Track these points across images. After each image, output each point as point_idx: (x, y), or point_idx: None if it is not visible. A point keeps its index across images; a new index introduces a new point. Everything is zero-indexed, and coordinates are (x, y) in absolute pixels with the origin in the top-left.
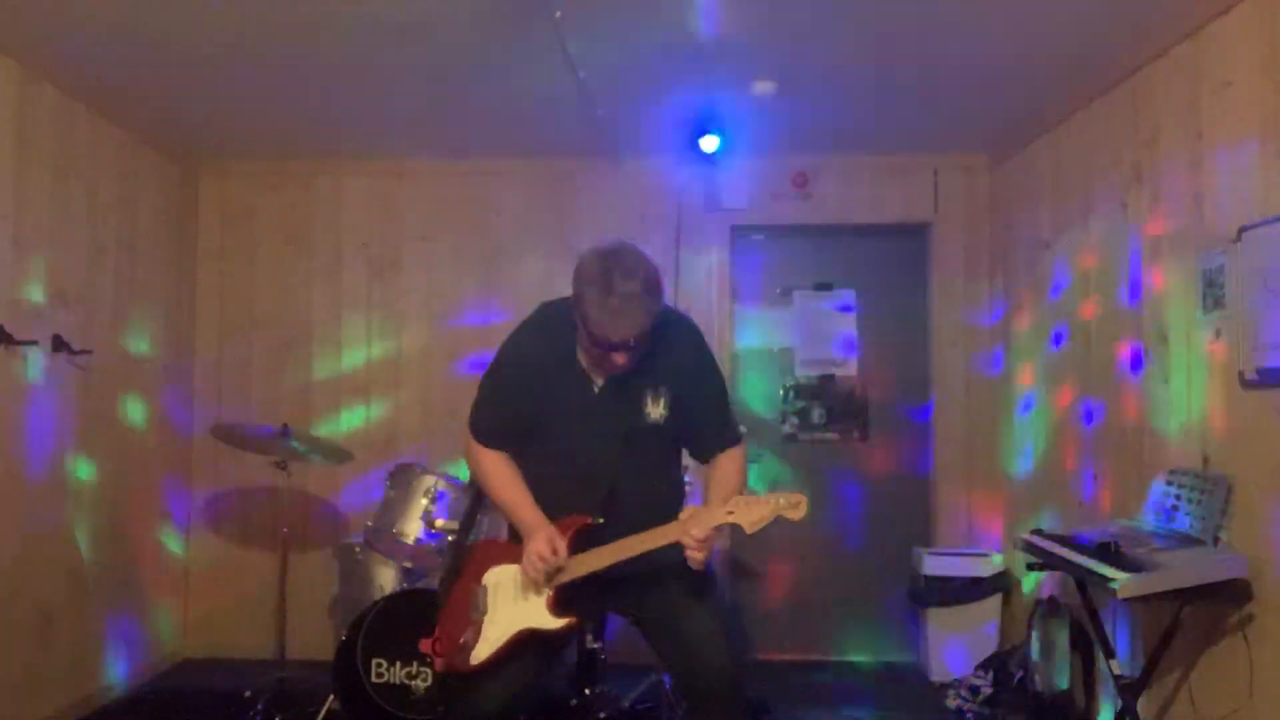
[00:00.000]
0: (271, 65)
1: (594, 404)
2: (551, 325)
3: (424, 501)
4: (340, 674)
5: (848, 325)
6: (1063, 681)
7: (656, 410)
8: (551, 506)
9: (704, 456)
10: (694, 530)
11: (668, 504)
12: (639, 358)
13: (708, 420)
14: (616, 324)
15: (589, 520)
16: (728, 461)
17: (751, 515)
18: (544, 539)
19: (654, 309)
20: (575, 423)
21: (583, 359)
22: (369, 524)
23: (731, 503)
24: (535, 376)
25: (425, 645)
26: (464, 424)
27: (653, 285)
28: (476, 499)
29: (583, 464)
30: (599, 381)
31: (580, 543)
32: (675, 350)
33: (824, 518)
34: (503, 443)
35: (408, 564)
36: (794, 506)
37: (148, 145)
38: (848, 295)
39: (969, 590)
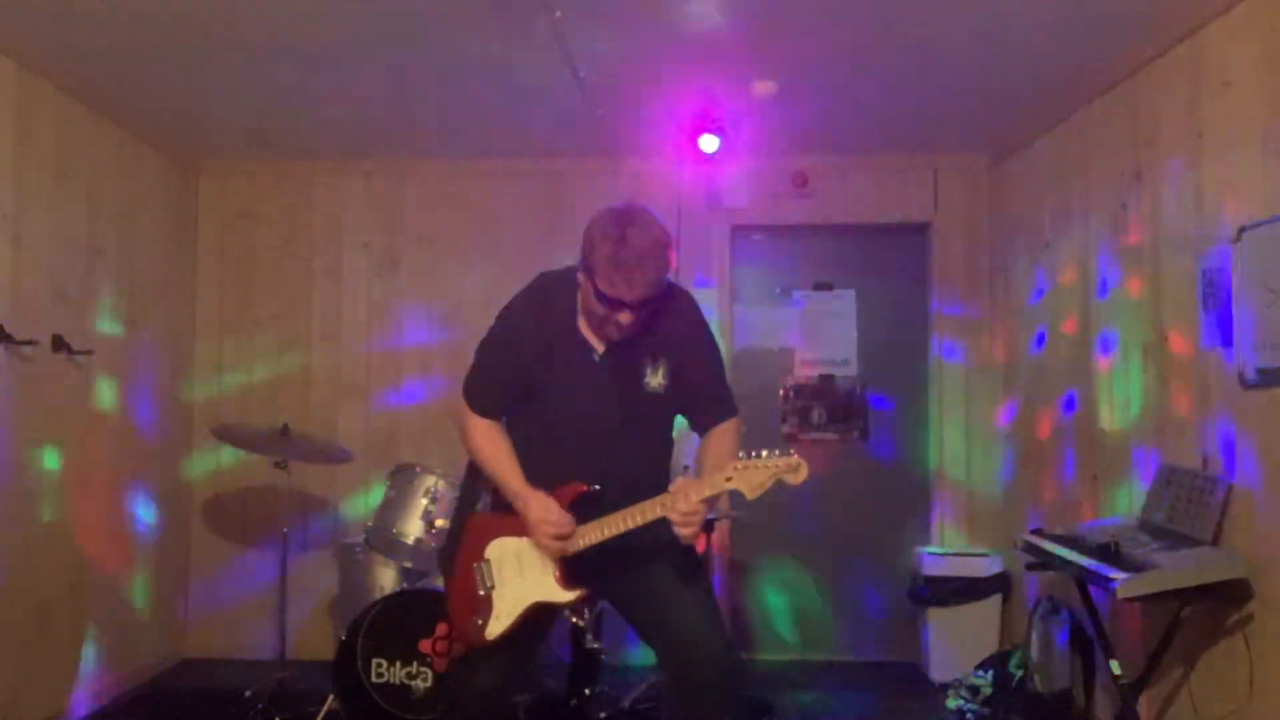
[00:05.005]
0: (272, 65)
1: (593, 372)
2: (552, 292)
3: (424, 501)
4: (340, 674)
5: (848, 325)
6: (1063, 681)
7: (655, 379)
8: (548, 474)
9: (701, 427)
10: (679, 505)
11: (662, 475)
12: (641, 324)
13: (705, 391)
14: (630, 280)
15: (585, 488)
16: (723, 433)
17: (752, 480)
18: (540, 505)
19: (665, 268)
20: (574, 390)
21: (584, 326)
22: (369, 524)
23: (729, 468)
24: (534, 343)
25: (425, 645)
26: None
27: (665, 245)
28: (474, 476)
29: (580, 432)
30: (599, 350)
31: (577, 511)
32: (674, 321)
33: (824, 518)
34: (497, 411)
35: (408, 564)
36: (794, 470)
37: (148, 145)
38: (848, 295)
39: (969, 590)
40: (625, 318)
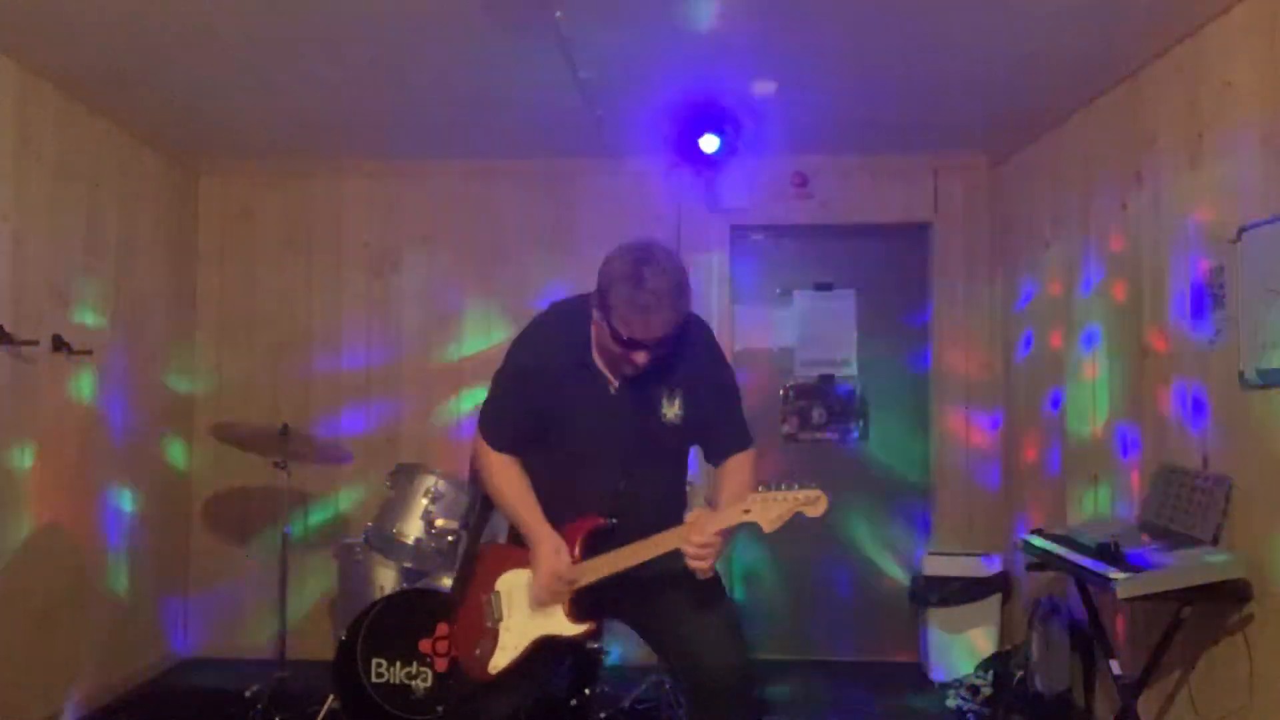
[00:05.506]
0: (272, 66)
1: (610, 405)
2: (566, 324)
3: (424, 501)
4: (340, 674)
5: (848, 325)
6: (1063, 681)
7: (672, 411)
8: (564, 508)
9: (716, 459)
10: (694, 537)
11: (679, 507)
12: (657, 360)
13: (721, 422)
14: (646, 321)
15: (602, 522)
16: (738, 464)
17: (770, 513)
18: (551, 550)
19: (683, 308)
20: (591, 424)
21: (598, 359)
22: (369, 524)
23: (748, 500)
24: (550, 377)
25: (425, 645)
26: (472, 424)
27: (682, 284)
28: (484, 503)
29: (597, 465)
30: (615, 382)
31: (593, 545)
32: (690, 351)
33: (824, 518)
34: (514, 445)
35: (408, 564)
36: (813, 503)
37: (148, 145)
38: (848, 295)
39: (969, 590)
40: (641, 358)
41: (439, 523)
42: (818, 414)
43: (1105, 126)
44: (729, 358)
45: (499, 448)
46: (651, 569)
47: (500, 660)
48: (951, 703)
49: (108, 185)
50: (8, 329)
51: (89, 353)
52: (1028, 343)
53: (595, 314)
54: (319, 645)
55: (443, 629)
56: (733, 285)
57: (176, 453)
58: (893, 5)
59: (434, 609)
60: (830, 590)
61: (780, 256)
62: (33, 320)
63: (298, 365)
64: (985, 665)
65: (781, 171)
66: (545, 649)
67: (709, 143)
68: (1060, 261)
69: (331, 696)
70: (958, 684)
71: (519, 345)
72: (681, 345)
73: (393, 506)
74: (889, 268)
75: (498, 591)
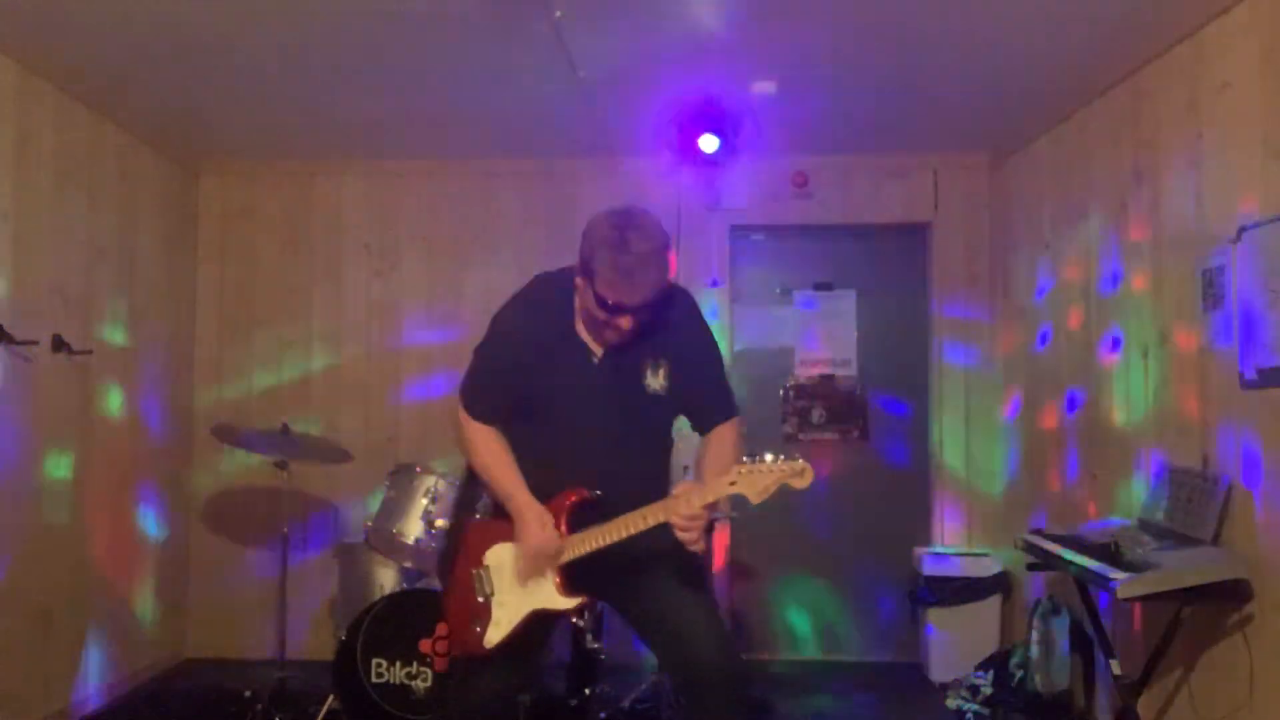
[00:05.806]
0: (271, 65)
1: (593, 375)
2: (549, 295)
3: (424, 501)
4: (340, 674)
5: (848, 325)
6: (1063, 681)
7: (656, 382)
8: (548, 480)
9: (702, 429)
10: (682, 509)
11: (663, 478)
12: (641, 327)
13: (706, 392)
14: (631, 285)
15: (586, 494)
16: (724, 435)
17: (756, 485)
18: (535, 522)
19: (666, 272)
20: (574, 395)
21: (582, 329)
22: (369, 524)
23: (733, 472)
24: (532, 348)
25: (425, 645)
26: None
27: (666, 247)
28: (467, 478)
29: (581, 436)
30: (598, 352)
31: (578, 517)
32: (674, 321)
33: (824, 518)
34: (495, 417)
35: (408, 564)
36: (799, 474)
37: (148, 145)
38: (848, 295)
39: (969, 590)
40: (626, 322)
41: (439, 523)
42: (818, 414)
43: (1105, 126)
44: (729, 358)
45: (479, 418)
46: (636, 547)
47: (494, 635)
48: (951, 703)
49: (108, 185)
50: (8, 329)
51: (89, 353)
52: (1028, 343)
53: (578, 281)
54: (319, 645)
55: (442, 629)
56: (733, 285)
57: (176, 453)
58: (892, 5)
59: (434, 609)
60: (830, 590)
61: (780, 256)
62: (33, 320)
63: (298, 365)
64: (985, 665)
65: (781, 171)
66: (538, 623)
67: (709, 143)
68: (1059, 261)
69: (331, 696)
70: (958, 684)
71: (502, 316)
72: (666, 315)
73: (393, 506)
74: (889, 268)
75: (487, 566)
